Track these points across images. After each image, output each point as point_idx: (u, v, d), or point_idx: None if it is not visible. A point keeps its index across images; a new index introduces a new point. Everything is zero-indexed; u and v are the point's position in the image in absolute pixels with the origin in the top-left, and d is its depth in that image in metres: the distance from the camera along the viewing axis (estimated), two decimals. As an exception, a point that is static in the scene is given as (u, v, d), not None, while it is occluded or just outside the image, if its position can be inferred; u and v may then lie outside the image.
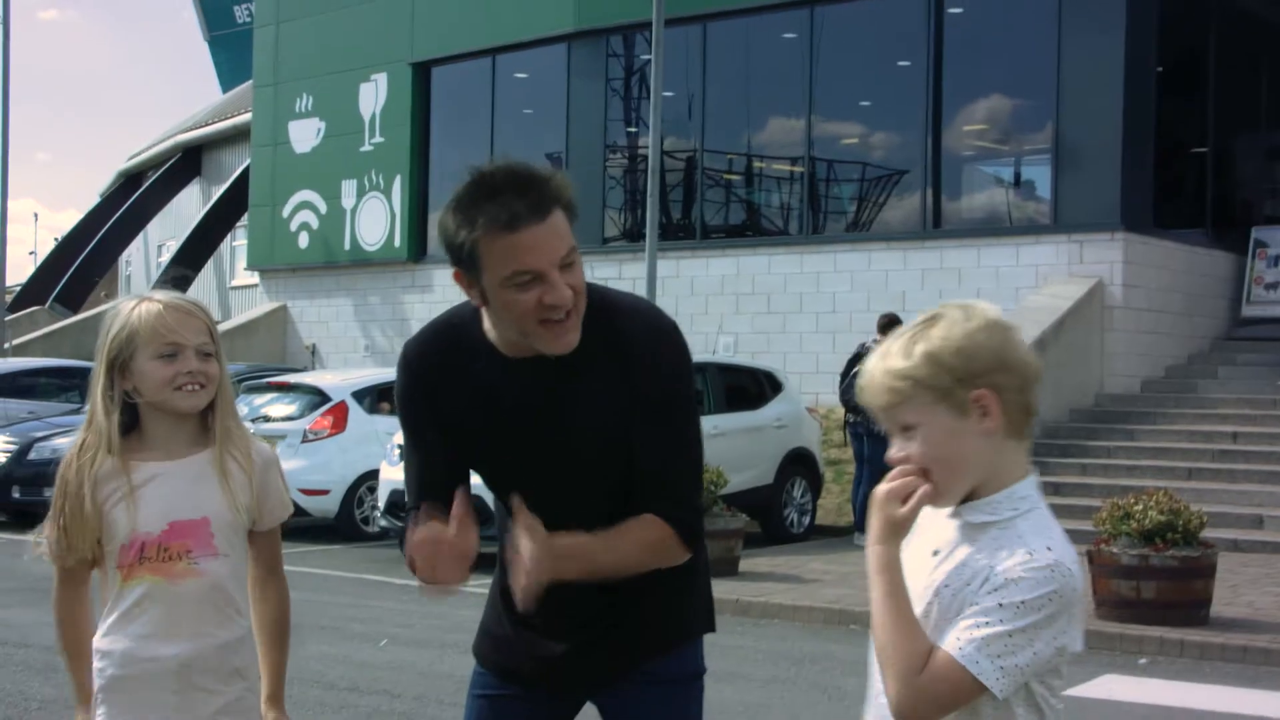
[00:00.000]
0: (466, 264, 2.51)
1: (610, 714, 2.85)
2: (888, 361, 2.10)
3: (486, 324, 2.66)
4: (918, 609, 2.07)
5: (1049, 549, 2.02)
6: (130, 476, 2.71)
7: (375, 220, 24.32)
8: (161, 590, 2.71)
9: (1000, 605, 1.97)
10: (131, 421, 2.77)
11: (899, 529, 2.07)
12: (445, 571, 2.45)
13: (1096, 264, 16.61)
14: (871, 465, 12.87)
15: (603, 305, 2.63)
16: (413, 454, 2.77)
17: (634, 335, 2.63)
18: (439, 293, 22.46)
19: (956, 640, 1.98)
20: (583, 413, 2.62)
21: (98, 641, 2.76)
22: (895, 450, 2.11)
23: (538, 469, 2.65)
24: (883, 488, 2.08)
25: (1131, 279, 16.61)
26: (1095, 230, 16.66)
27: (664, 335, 2.66)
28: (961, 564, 2.07)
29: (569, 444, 2.62)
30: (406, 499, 2.78)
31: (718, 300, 19.55)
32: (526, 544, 2.40)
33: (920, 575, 2.11)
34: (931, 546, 2.14)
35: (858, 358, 12.81)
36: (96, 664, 2.76)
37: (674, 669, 2.80)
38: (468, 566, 2.46)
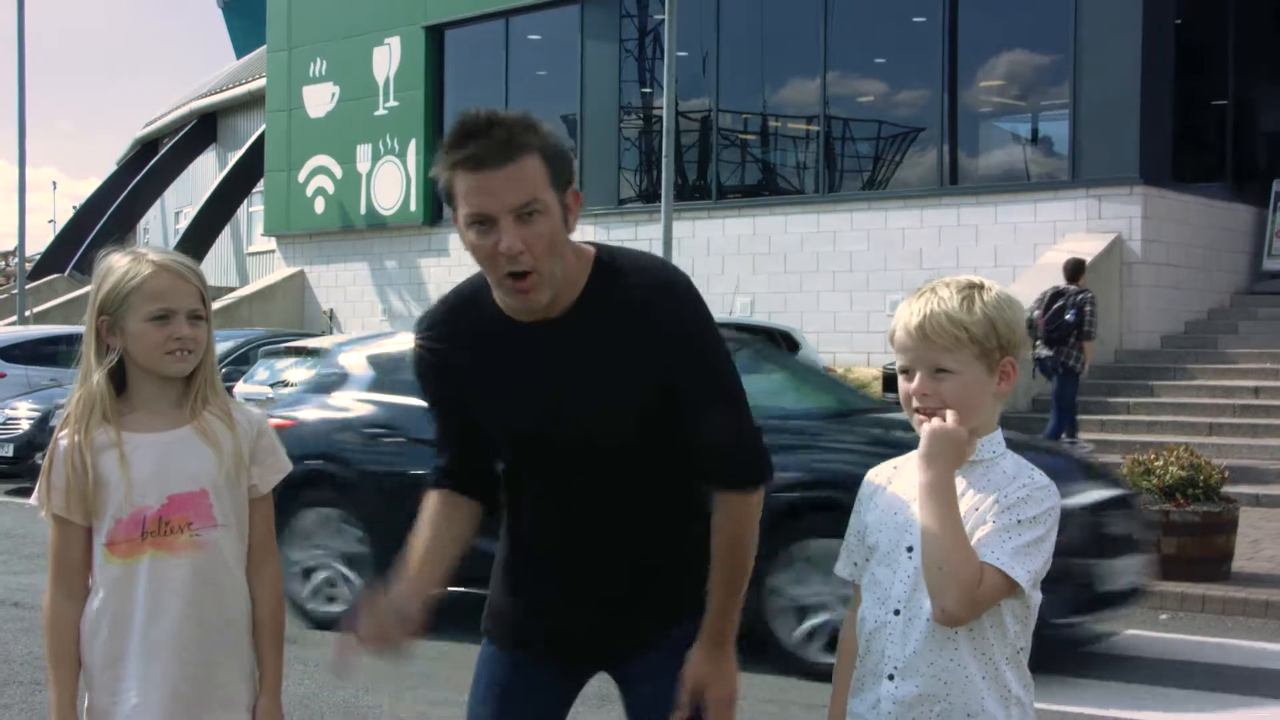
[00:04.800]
0: (451, 205, 2.50)
1: (629, 683, 2.76)
2: (948, 308, 2.35)
3: None
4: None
5: (1039, 475, 2.37)
6: (123, 447, 2.64)
7: (391, 184, 24.31)
8: (161, 564, 2.64)
9: (1019, 521, 2.30)
10: (119, 381, 2.69)
11: (963, 460, 2.34)
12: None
13: (1115, 219, 16.51)
14: (1060, 403, 12.96)
15: (610, 263, 2.57)
16: (438, 428, 2.81)
17: (636, 292, 2.53)
18: (455, 256, 22.46)
19: (994, 554, 2.28)
20: (585, 373, 2.56)
21: (86, 622, 2.67)
22: (921, 387, 2.36)
23: (547, 434, 2.61)
24: (952, 426, 2.31)
25: (1151, 234, 16.51)
26: (1114, 185, 16.55)
27: (667, 289, 2.54)
28: (960, 494, 2.34)
29: (575, 406, 2.57)
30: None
31: (734, 260, 19.49)
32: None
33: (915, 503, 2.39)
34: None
35: (1058, 295, 13.04)
36: (85, 644, 2.67)
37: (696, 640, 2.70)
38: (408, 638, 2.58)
